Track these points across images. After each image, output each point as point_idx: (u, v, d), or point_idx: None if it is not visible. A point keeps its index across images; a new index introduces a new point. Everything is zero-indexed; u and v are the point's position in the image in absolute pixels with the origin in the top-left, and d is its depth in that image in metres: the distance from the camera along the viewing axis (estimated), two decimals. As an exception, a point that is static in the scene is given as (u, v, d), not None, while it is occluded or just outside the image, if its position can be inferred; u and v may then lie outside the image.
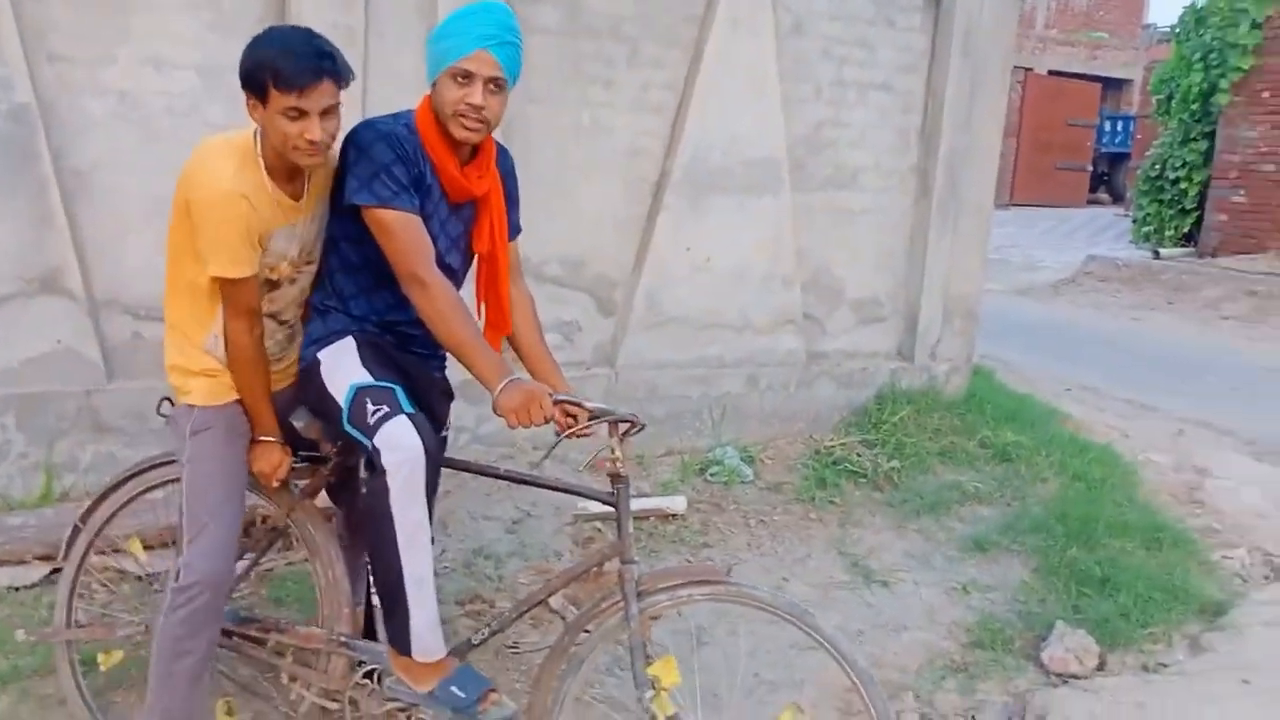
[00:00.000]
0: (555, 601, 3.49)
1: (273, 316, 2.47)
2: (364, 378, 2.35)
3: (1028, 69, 21.55)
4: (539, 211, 4.52)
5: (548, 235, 4.59)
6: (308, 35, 2.21)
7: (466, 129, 2.33)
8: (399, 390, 2.33)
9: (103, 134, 3.78)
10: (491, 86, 2.31)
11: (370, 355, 2.41)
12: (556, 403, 2.24)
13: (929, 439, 5.12)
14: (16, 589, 3.29)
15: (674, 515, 4.26)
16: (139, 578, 3.14)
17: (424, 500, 2.29)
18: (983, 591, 4.00)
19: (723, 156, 4.84)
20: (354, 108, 3.97)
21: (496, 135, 4.13)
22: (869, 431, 5.11)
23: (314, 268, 2.50)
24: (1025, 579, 4.08)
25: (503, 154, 2.61)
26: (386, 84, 3.99)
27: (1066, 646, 3.49)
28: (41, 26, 3.67)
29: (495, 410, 2.21)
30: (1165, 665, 3.50)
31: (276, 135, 2.20)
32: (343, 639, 2.58)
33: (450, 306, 2.28)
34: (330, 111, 2.22)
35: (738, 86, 4.80)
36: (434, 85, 2.35)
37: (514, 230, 2.64)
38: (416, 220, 2.31)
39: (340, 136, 2.34)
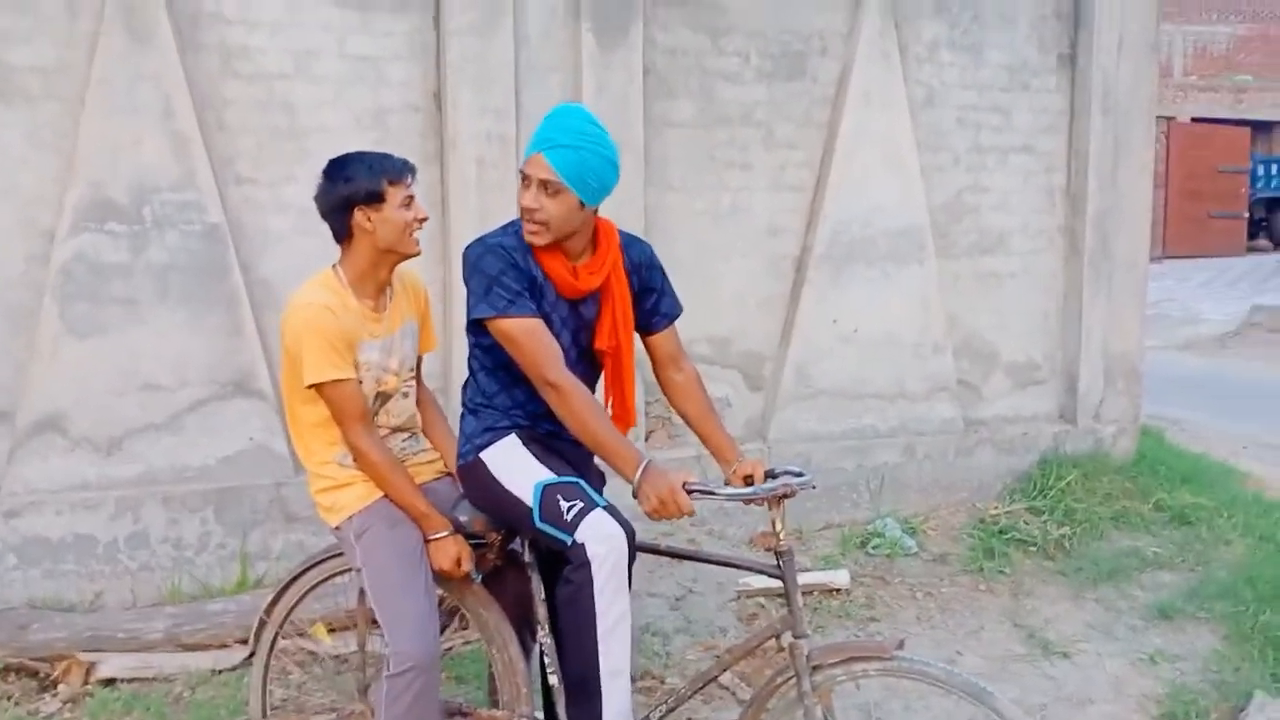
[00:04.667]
0: (725, 677, 3.48)
1: (395, 429, 2.65)
2: (546, 475, 2.41)
3: (1169, 118, 20.85)
4: (683, 294, 4.59)
5: (693, 316, 4.60)
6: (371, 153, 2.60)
7: (529, 231, 2.41)
8: (583, 483, 2.41)
9: (285, 247, 4.11)
10: (546, 189, 2.37)
11: (539, 451, 2.48)
12: (690, 492, 2.26)
13: (1100, 504, 4.93)
14: (219, 672, 3.51)
15: (837, 590, 4.21)
16: (331, 658, 3.31)
17: (627, 590, 2.34)
18: (1171, 661, 3.81)
19: (864, 228, 4.89)
20: (508, 209, 4.23)
21: (638, 224, 4.36)
22: (1035, 498, 4.95)
23: (414, 384, 2.73)
24: (1216, 647, 3.88)
25: (634, 245, 2.65)
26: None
27: (1268, 717, 3.30)
28: (229, 154, 4.05)
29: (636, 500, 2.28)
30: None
31: (394, 228, 2.51)
32: None
33: (583, 406, 2.33)
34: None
35: (875, 160, 4.86)
36: None
37: (666, 317, 2.69)
38: (537, 324, 2.38)
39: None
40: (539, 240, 2.42)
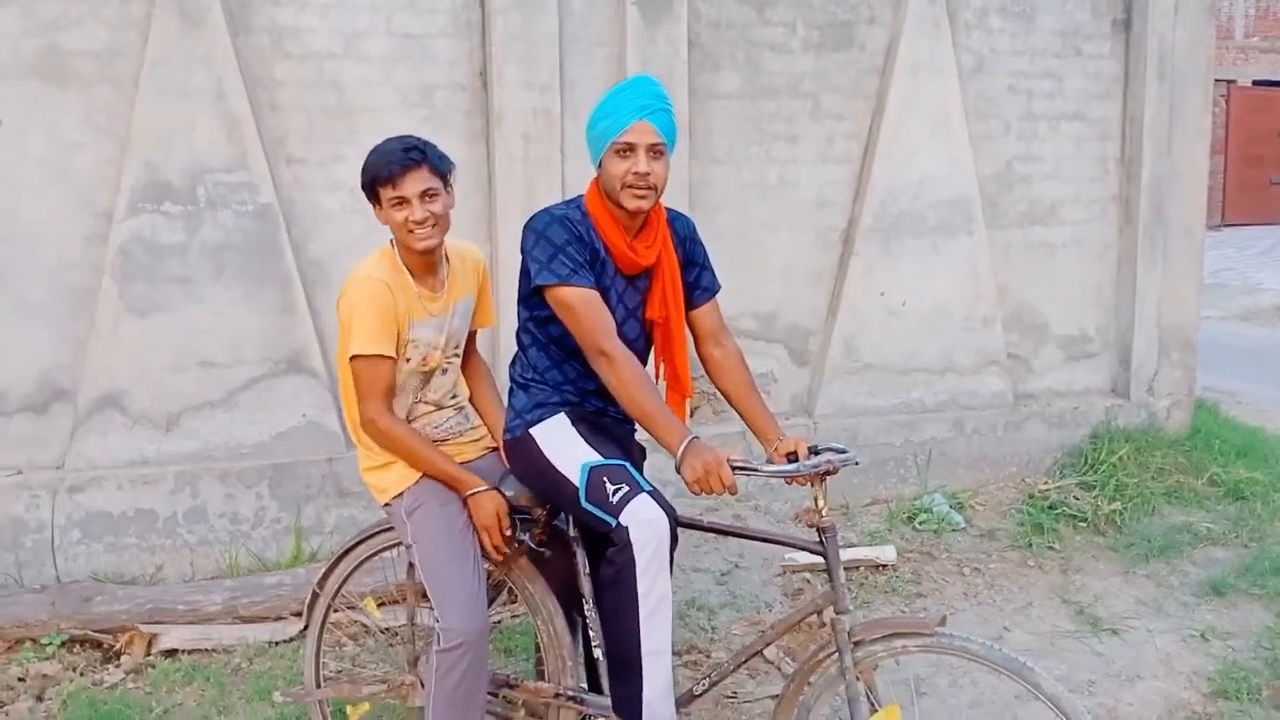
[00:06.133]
0: (770, 652, 3.51)
1: (436, 404, 2.69)
2: (593, 456, 2.45)
3: (1230, 81, 20.24)
4: (729, 268, 4.62)
5: (739, 290, 4.67)
6: (400, 139, 2.53)
7: (638, 197, 2.44)
8: (629, 466, 2.44)
9: (336, 227, 4.17)
10: (653, 153, 2.43)
11: (587, 431, 2.52)
12: (733, 468, 2.26)
13: (1152, 479, 4.86)
14: (276, 643, 3.60)
15: (884, 565, 4.21)
16: (381, 631, 3.38)
17: (668, 573, 2.37)
18: (1223, 638, 3.76)
19: (912, 200, 4.83)
20: (554, 184, 4.26)
21: (683, 198, 4.35)
22: (1085, 473, 4.89)
23: (459, 360, 2.75)
24: (1269, 624, 3.82)
25: (679, 220, 2.69)
26: (584, 162, 4.21)
27: (1325, 696, 3.25)
28: (279, 134, 4.10)
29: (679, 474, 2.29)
30: None
31: (393, 227, 2.52)
32: (570, 693, 2.65)
33: (633, 377, 2.36)
34: (430, 195, 2.49)
35: (923, 130, 4.80)
36: (600, 164, 2.48)
37: (707, 292, 2.71)
38: (595, 295, 2.42)
39: (449, 218, 2.56)
40: (648, 204, 2.47)
